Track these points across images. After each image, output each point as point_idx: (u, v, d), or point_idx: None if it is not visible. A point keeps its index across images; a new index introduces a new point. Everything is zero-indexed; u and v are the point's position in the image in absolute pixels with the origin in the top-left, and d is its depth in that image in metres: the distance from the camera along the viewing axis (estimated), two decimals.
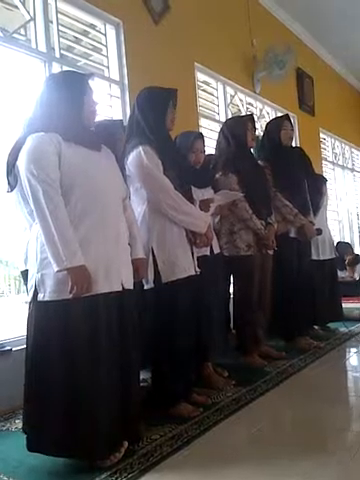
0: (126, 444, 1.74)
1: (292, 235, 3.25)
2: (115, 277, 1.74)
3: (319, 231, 3.47)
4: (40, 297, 1.66)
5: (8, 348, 2.42)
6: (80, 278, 1.60)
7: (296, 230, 3.25)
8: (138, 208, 2.19)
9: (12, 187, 1.80)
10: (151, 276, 2.13)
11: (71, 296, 1.60)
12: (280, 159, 3.19)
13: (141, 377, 2.37)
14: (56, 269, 1.59)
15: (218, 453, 1.80)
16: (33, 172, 1.61)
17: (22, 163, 1.66)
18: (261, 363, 2.88)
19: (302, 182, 3.33)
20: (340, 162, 7.31)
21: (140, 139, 2.15)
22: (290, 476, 1.59)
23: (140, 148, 2.12)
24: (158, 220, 2.17)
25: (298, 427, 1.98)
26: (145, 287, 2.16)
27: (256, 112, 5.10)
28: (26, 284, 2.06)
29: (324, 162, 6.58)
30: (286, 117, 3.43)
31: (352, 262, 5.37)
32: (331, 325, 3.88)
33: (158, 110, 2.20)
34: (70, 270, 1.59)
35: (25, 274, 2.02)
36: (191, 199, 2.29)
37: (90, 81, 1.81)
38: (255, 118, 3.30)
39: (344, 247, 5.49)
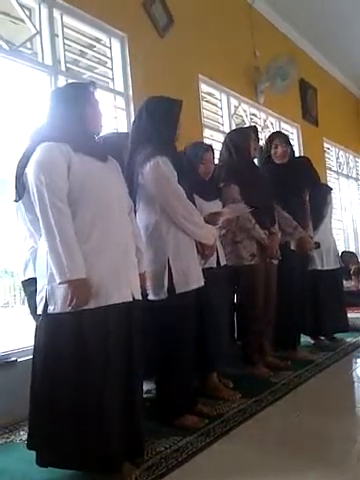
0: (137, 472, 1.71)
1: (292, 247, 3.24)
2: (125, 288, 1.74)
3: (317, 245, 3.46)
4: (51, 309, 1.65)
5: (13, 359, 2.42)
6: (80, 291, 1.59)
7: (295, 243, 3.24)
8: (150, 218, 2.18)
9: (20, 196, 1.81)
10: (165, 287, 2.13)
11: (70, 309, 1.60)
12: (274, 174, 3.17)
13: (146, 388, 2.36)
14: (58, 281, 1.58)
15: (224, 465, 1.78)
16: (42, 180, 1.62)
17: (31, 171, 1.67)
18: (266, 373, 2.87)
19: (296, 197, 3.31)
20: (344, 171, 7.31)
21: (155, 149, 2.13)
22: None
23: (158, 158, 2.11)
24: (173, 231, 2.17)
25: (304, 439, 1.96)
26: (149, 297, 2.16)
27: (260, 122, 5.12)
28: (26, 293, 2.07)
29: (328, 171, 6.59)
30: (277, 134, 3.41)
31: (357, 272, 5.35)
32: (337, 335, 3.85)
33: (172, 121, 2.20)
34: (71, 282, 1.58)
35: (25, 284, 2.03)
36: None
37: (91, 90, 1.82)
38: (259, 129, 3.30)
39: (349, 257, 5.47)
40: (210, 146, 2.77)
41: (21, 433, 2.17)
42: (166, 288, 2.12)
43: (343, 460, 1.79)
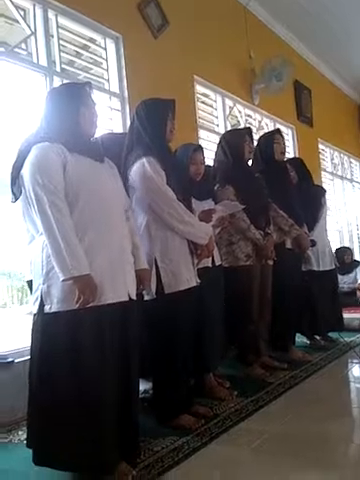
0: (134, 472, 1.71)
1: (288, 246, 3.25)
2: (121, 287, 1.75)
3: (313, 242, 3.48)
4: (47, 308, 1.65)
5: (10, 360, 2.41)
6: (86, 287, 1.60)
7: (292, 241, 3.26)
8: (139, 218, 2.19)
9: (16, 197, 1.81)
10: (154, 287, 2.13)
11: (77, 306, 1.60)
12: (273, 172, 3.20)
13: (143, 388, 2.36)
14: (62, 278, 1.58)
15: (220, 465, 1.79)
16: (38, 181, 1.62)
17: (27, 172, 1.67)
18: (262, 374, 2.87)
19: (294, 196, 3.35)
20: (339, 173, 7.34)
21: (143, 150, 2.17)
22: None
23: (144, 159, 2.14)
24: (161, 231, 2.18)
25: (300, 439, 1.97)
26: (145, 298, 2.16)
27: (255, 124, 5.14)
28: (31, 293, 2.07)
29: (323, 173, 6.62)
30: (277, 131, 3.48)
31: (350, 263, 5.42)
32: (332, 335, 3.87)
33: (157, 121, 2.22)
34: (76, 279, 1.58)
35: (31, 283, 2.03)
36: (191, 210, 2.30)
37: (87, 90, 1.83)
38: (254, 130, 3.32)
39: (342, 251, 5.50)
40: (199, 146, 2.78)
41: (19, 433, 2.18)
42: (154, 288, 2.13)
43: (340, 460, 1.80)
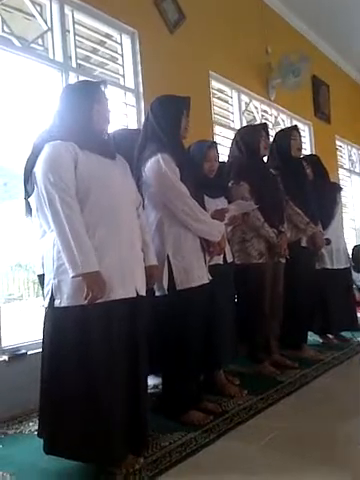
0: (141, 461, 1.74)
1: (303, 244, 3.24)
2: (130, 283, 1.76)
3: (328, 241, 3.46)
4: (57, 303, 1.68)
5: (23, 351, 2.46)
6: (95, 284, 1.62)
7: (307, 239, 3.24)
8: (152, 215, 2.20)
9: (29, 194, 1.84)
10: (166, 283, 2.14)
11: (86, 302, 1.62)
12: (289, 169, 3.18)
13: (152, 383, 2.38)
14: (71, 274, 1.61)
15: (227, 462, 1.79)
16: (50, 179, 1.65)
17: (39, 170, 1.70)
18: (273, 372, 2.86)
19: (310, 193, 3.33)
20: (357, 169, 7.24)
21: (157, 146, 2.17)
22: None
23: (159, 155, 2.14)
24: (174, 227, 2.19)
25: (309, 438, 1.96)
26: (156, 293, 2.18)
27: (271, 120, 5.10)
28: (43, 288, 2.10)
29: (341, 170, 6.53)
30: (295, 127, 3.46)
31: None
32: (346, 334, 3.83)
33: (172, 118, 2.22)
34: (85, 276, 1.61)
35: (42, 278, 2.05)
36: (203, 207, 2.30)
37: (102, 88, 1.84)
38: (270, 126, 3.29)
39: (359, 249, 5.42)
40: (214, 143, 2.77)
41: (30, 424, 2.22)
42: (166, 285, 2.14)
43: (348, 461, 1.79)
